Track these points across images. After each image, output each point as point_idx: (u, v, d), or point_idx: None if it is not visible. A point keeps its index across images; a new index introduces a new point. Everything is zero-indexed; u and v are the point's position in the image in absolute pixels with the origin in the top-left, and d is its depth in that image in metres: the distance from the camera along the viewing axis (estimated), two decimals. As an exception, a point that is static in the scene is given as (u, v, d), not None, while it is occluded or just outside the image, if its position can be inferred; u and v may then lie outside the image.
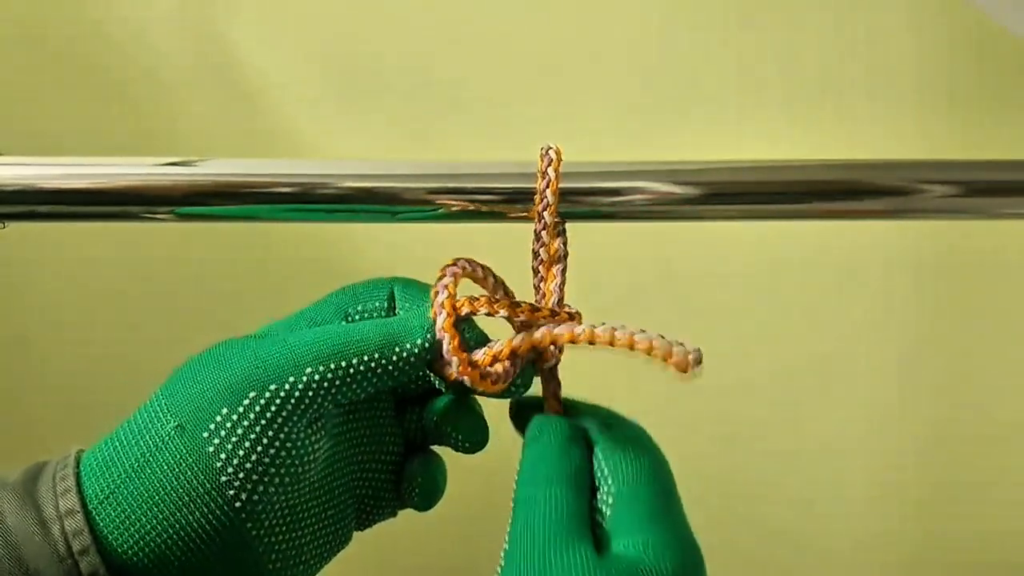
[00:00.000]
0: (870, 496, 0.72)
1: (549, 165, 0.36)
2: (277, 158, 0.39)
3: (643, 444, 0.32)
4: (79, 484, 0.29)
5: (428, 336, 0.32)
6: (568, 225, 0.37)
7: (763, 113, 0.64)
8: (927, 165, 0.40)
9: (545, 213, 0.36)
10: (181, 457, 0.29)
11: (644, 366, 0.32)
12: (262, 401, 0.29)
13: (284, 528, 0.30)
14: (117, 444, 0.30)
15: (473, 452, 0.34)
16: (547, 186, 0.36)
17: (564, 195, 0.37)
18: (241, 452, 0.29)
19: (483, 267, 0.36)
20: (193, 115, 0.66)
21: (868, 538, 0.72)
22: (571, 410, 0.35)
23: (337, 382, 0.30)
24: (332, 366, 0.30)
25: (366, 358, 0.30)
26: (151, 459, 0.29)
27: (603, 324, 0.32)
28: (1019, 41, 0.62)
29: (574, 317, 0.35)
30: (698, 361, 0.32)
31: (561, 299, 0.35)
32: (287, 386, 0.29)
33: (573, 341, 0.33)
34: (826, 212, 0.39)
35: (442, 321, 0.32)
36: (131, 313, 0.70)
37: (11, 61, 0.66)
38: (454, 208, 0.37)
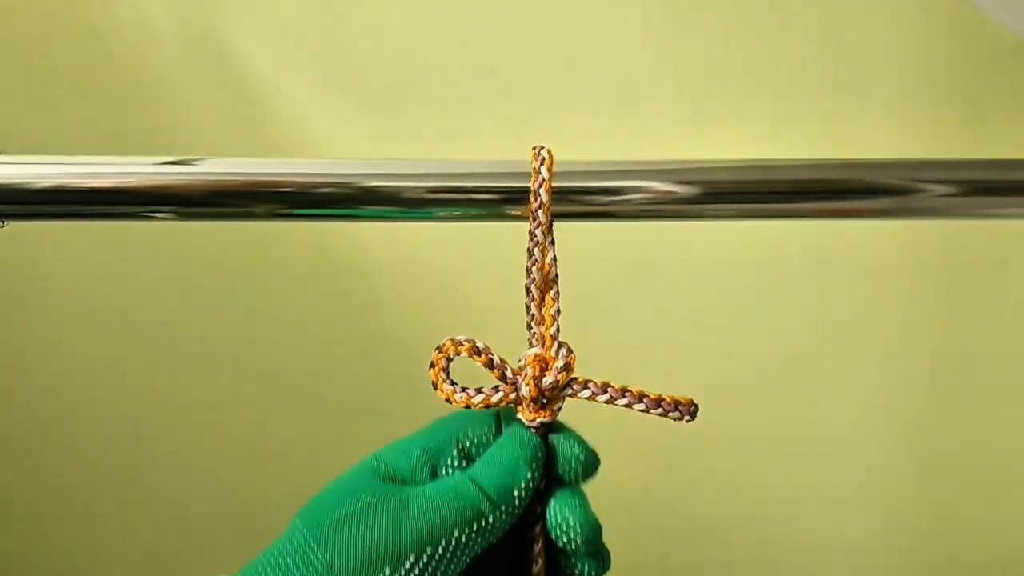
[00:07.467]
0: (861, 494, 0.72)
1: (542, 164, 0.36)
2: (276, 158, 0.39)
3: None
4: None
5: (533, 473, 0.35)
6: (563, 224, 0.37)
7: (760, 112, 0.64)
8: (926, 164, 0.40)
9: (540, 212, 0.36)
10: None
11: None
12: (421, 563, 0.33)
13: None
14: None
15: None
16: (540, 185, 0.36)
17: (560, 194, 0.37)
18: None
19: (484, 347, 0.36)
20: (193, 115, 0.66)
21: (859, 539, 0.72)
22: None
23: (477, 538, 0.34)
24: (475, 526, 0.34)
25: (497, 514, 0.34)
26: None
27: (603, 386, 0.35)
28: (1018, 39, 0.62)
29: (569, 367, 0.35)
30: (692, 417, 0.35)
31: (558, 329, 0.36)
32: (440, 549, 0.34)
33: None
34: (824, 211, 0.39)
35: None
36: (131, 313, 0.70)
37: (11, 61, 0.66)
38: (452, 207, 0.38)
